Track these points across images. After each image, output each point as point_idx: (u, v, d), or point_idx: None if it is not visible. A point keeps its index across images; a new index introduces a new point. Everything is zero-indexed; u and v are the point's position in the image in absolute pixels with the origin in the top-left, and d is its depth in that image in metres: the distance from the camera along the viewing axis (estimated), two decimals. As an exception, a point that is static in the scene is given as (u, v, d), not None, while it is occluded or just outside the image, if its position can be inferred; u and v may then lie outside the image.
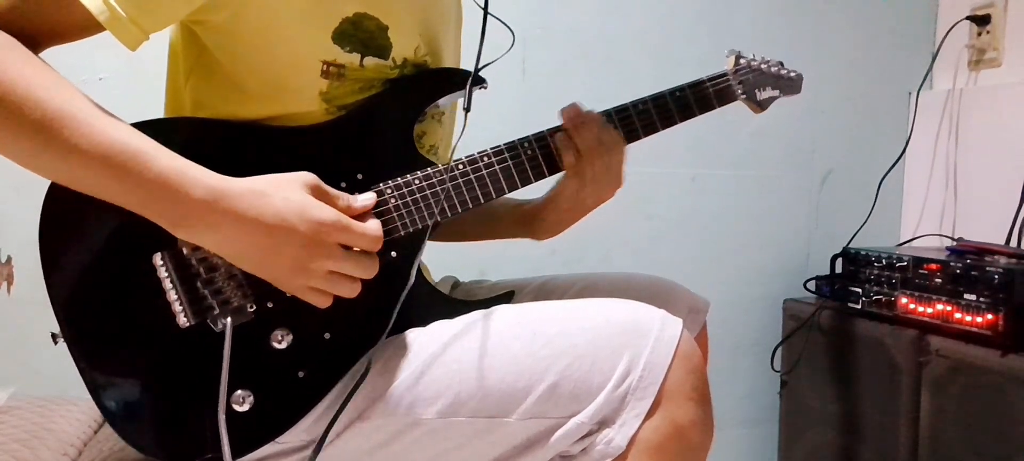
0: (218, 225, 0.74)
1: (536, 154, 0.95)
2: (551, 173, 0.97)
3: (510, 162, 0.94)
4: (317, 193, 0.78)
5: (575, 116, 0.96)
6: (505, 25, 0.99)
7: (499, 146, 0.94)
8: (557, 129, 0.97)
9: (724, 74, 1.05)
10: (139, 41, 0.77)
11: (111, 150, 0.70)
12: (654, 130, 1.01)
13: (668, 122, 1.01)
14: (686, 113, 1.02)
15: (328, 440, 0.83)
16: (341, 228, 0.78)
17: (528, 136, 0.96)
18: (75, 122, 0.70)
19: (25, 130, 0.69)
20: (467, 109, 0.92)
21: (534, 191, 1.02)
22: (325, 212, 0.77)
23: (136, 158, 0.71)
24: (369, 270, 0.81)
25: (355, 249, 0.80)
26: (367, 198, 0.84)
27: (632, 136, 0.99)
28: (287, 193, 0.76)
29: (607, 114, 0.98)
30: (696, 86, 1.03)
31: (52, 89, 0.71)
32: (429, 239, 0.91)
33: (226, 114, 0.89)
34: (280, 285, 0.80)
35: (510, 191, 0.94)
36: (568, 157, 0.96)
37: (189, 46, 0.90)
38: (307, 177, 0.79)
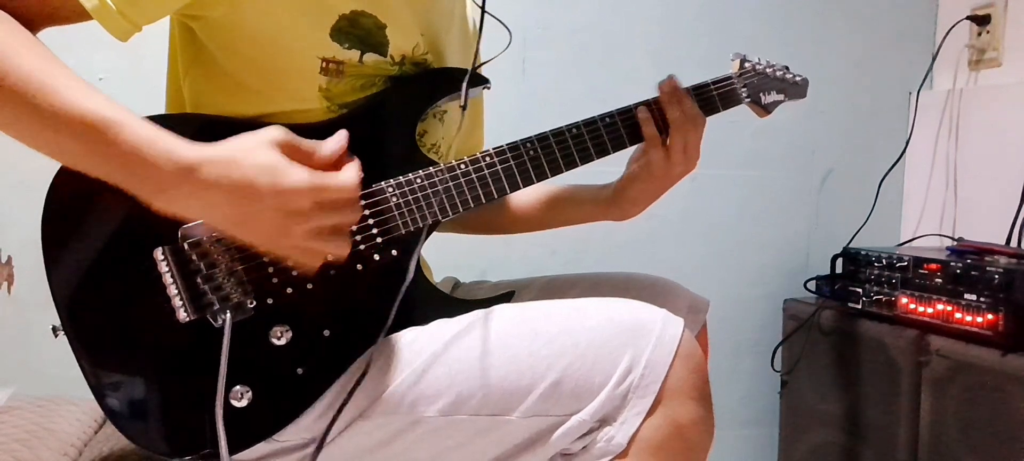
0: (191, 194, 0.73)
1: (561, 147, 0.96)
2: (632, 143, 1.00)
3: (512, 162, 0.94)
4: (287, 149, 0.76)
5: (672, 90, 0.99)
6: (503, 24, 0.99)
7: (502, 146, 0.94)
8: (642, 103, 1.00)
9: (729, 77, 1.05)
10: (128, 32, 0.78)
11: (89, 118, 0.70)
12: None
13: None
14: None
15: (329, 439, 0.84)
16: (315, 188, 0.75)
17: (609, 111, 0.99)
18: (53, 89, 0.70)
19: (8, 95, 0.69)
20: (464, 107, 0.92)
21: (537, 189, 1.02)
22: (296, 176, 0.75)
23: (112, 127, 0.70)
24: (352, 217, 0.80)
25: (333, 203, 0.78)
26: (337, 140, 0.82)
27: (635, 139, 1.00)
28: (256, 156, 0.74)
29: (612, 113, 0.99)
30: (701, 89, 1.03)
31: (38, 58, 0.71)
32: (484, 233, 0.90)
33: (226, 110, 0.89)
34: (269, 248, 0.78)
35: (512, 191, 0.94)
36: (649, 129, 0.98)
37: (187, 43, 0.91)
38: (275, 132, 0.76)
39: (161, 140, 0.72)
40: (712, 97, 1.03)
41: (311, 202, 0.75)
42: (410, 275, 0.85)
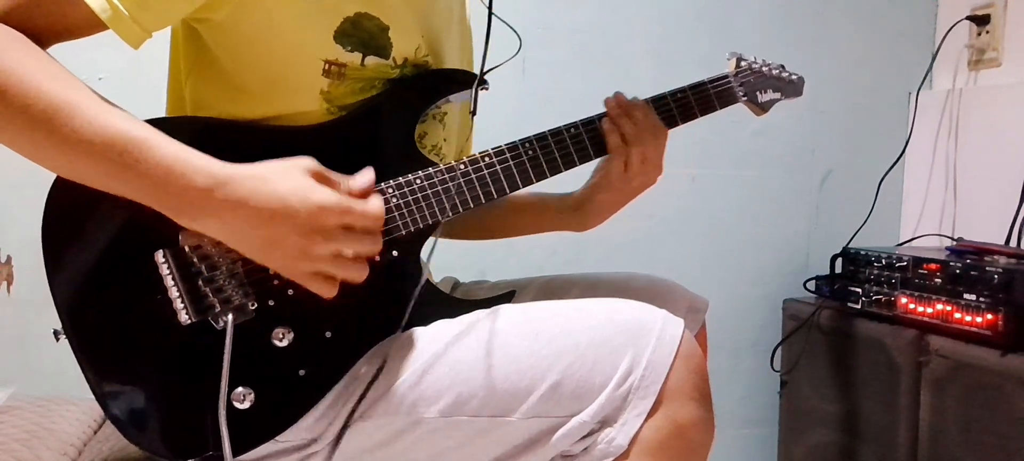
0: (219, 211, 0.74)
1: (560, 146, 0.96)
2: (597, 155, 0.99)
3: (511, 162, 0.94)
4: (318, 177, 0.78)
5: (622, 102, 0.99)
6: (512, 29, 0.99)
7: (500, 146, 0.94)
8: (604, 114, 0.99)
9: (725, 76, 1.05)
10: (141, 39, 0.78)
11: (114, 139, 0.71)
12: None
13: (670, 123, 1.02)
14: (687, 115, 1.03)
15: (331, 438, 0.84)
16: (343, 209, 0.77)
17: (575, 122, 0.98)
18: (78, 112, 0.70)
19: (29, 121, 0.69)
20: (473, 113, 0.92)
21: (534, 190, 1.02)
22: (326, 195, 0.77)
23: (139, 146, 0.71)
24: (373, 247, 0.81)
25: (358, 229, 0.80)
26: (366, 176, 0.84)
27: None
28: (288, 178, 0.76)
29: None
30: (697, 88, 1.03)
31: (55, 80, 0.71)
32: (456, 238, 0.90)
33: (226, 113, 0.89)
34: (284, 272, 0.79)
35: (511, 191, 0.94)
36: (614, 139, 0.98)
37: (190, 45, 0.91)
38: (307, 161, 0.79)
39: (189, 158, 0.73)
40: (709, 96, 1.03)
41: (337, 223, 0.77)
42: (425, 277, 0.85)
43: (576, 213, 1.06)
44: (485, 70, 0.93)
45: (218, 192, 0.73)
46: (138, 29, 0.77)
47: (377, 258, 0.86)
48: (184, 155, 0.73)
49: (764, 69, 1.08)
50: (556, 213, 1.09)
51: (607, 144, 0.98)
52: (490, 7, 0.95)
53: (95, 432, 1.15)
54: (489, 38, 0.94)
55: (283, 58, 0.86)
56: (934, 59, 1.96)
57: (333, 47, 0.86)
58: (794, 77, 1.11)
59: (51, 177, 0.79)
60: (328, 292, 0.80)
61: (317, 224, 0.76)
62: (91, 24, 0.76)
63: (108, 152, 0.71)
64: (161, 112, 0.97)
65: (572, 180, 1.04)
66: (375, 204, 0.81)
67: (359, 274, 0.81)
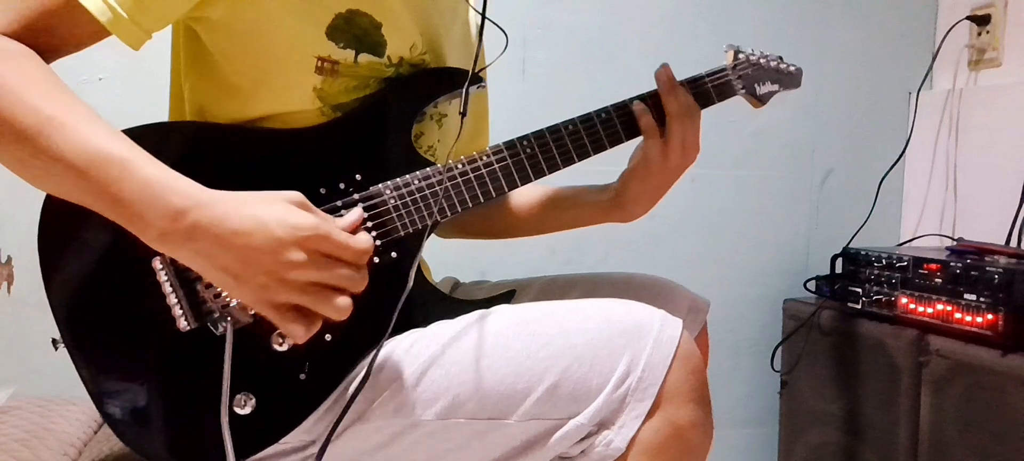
0: (192, 233, 0.70)
1: (558, 144, 0.96)
2: (628, 138, 0.98)
3: (509, 160, 0.93)
4: (301, 206, 0.74)
5: (669, 79, 0.98)
6: (499, 27, 0.99)
7: (498, 145, 0.94)
8: (637, 97, 0.99)
9: (723, 69, 1.05)
10: (141, 41, 0.78)
11: (94, 157, 0.69)
12: None
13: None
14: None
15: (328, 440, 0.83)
16: (322, 235, 0.72)
17: (604, 107, 0.98)
18: (63, 129, 0.69)
19: (14, 136, 0.69)
20: (463, 114, 0.91)
21: (538, 191, 1.01)
22: (306, 217, 0.72)
23: (118, 165, 0.69)
24: (356, 283, 0.75)
25: (339, 259, 0.74)
26: (353, 215, 0.82)
27: (631, 134, 0.99)
28: (268, 203, 0.73)
29: (608, 109, 0.98)
30: (695, 82, 1.02)
31: (46, 97, 0.70)
32: (493, 237, 0.88)
33: (222, 112, 0.89)
34: (260, 303, 0.73)
35: (510, 189, 0.94)
36: (646, 120, 0.97)
37: (188, 44, 0.91)
38: (292, 194, 0.74)
39: (168, 179, 0.70)
40: (707, 89, 1.03)
41: (316, 248, 0.72)
42: (410, 282, 0.83)
43: (616, 204, 1.04)
44: (476, 69, 0.93)
45: (193, 213, 0.70)
46: (138, 31, 0.77)
47: (376, 260, 0.86)
48: (164, 176, 0.71)
49: (762, 61, 1.07)
50: (595, 207, 1.07)
51: (640, 125, 0.98)
52: (483, 12, 0.95)
53: (95, 432, 1.15)
54: (482, 37, 0.94)
55: (276, 55, 0.86)
56: (934, 59, 1.95)
57: (326, 43, 0.86)
58: (792, 68, 1.10)
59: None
60: (302, 332, 0.74)
61: (294, 247, 0.71)
62: (94, 32, 0.76)
63: (88, 170, 0.69)
64: (161, 112, 0.97)
65: (576, 176, 1.04)
66: (362, 238, 0.77)
67: (339, 311, 0.74)
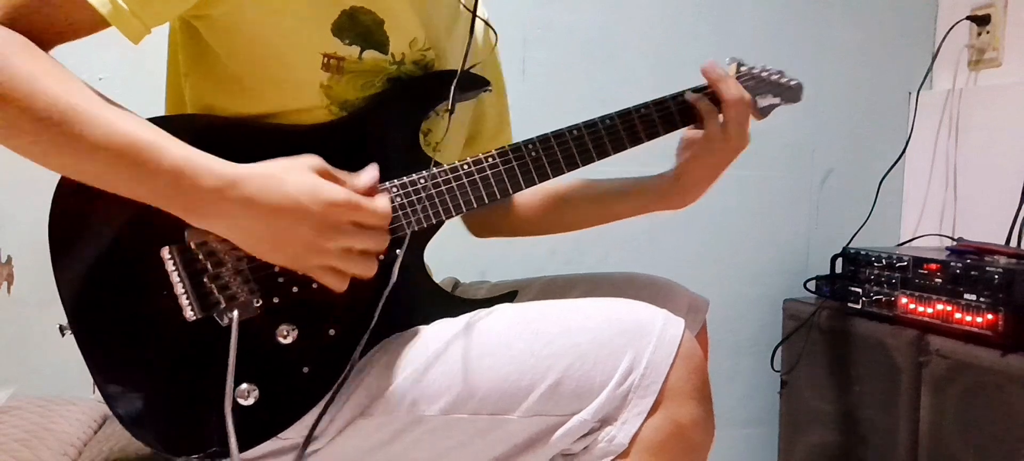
0: (230, 211, 0.75)
1: (562, 148, 0.97)
2: (684, 124, 1.02)
3: (514, 163, 0.94)
4: (324, 175, 0.80)
5: (720, 70, 1.02)
6: (488, 25, 0.99)
7: (503, 147, 0.94)
8: (692, 89, 1.02)
9: None
10: (141, 34, 0.78)
11: (123, 142, 0.71)
12: (656, 135, 1.02)
13: (670, 127, 1.02)
14: (686, 119, 1.03)
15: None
16: (353, 206, 0.79)
17: (645, 102, 1.00)
18: (86, 115, 0.71)
19: (36, 126, 0.69)
20: (451, 111, 0.92)
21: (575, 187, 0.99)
22: (336, 192, 0.78)
23: (148, 149, 0.72)
24: (381, 243, 0.83)
25: (366, 225, 0.81)
26: (370, 174, 0.84)
27: (635, 141, 1.00)
28: (295, 175, 0.78)
29: (612, 116, 0.99)
30: (697, 93, 1.03)
31: (61, 83, 0.71)
32: (543, 233, 0.95)
33: (227, 111, 0.89)
34: (296, 266, 0.80)
35: (514, 191, 0.95)
36: (704, 105, 1.01)
37: (189, 43, 0.91)
38: (313, 159, 0.80)
39: (198, 159, 0.74)
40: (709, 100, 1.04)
41: (348, 219, 0.79)
42: (393, 278, 0.84)
43: (674, 190, 1.07)
44: (467, 67, 0.94)
45: (228, 192, 0.74)
46: (138, 24, 0.77)
47: (381, 257, 0.86)
48: (193, 156, 0.74)
49: (764, 74, 1.08)
50: (646, 195, 1.09)
51: (698, 110, 1.01)
52: (474, 9, 0.95)
53: (95, 432, 1.15)
54: (472, 35, 0.95)
55: (282, 53, 0.86)
56: (934, 59, 1.96)
57: (331, 40, 0.87)
58: (793, 83, 1.11)
59: (53, 177, 0.79)
60: (339, 286, 0.81)
61: (328, 220, 0.78)
62: (93, 22, 0.76)
63: (117, 155, 0.71)
64: (160, 111, 0.97)
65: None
66: (382, 201, 0.83)
67: (368, 269, 0.82)
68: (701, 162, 1.04)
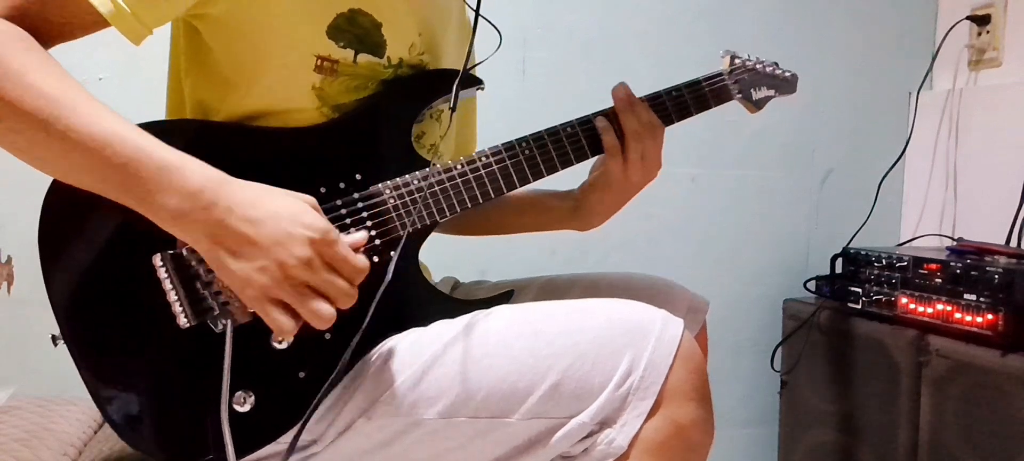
0: (208, 213, 0.72)
1: (556, 145, 0.96)
2: (594, 154, 0.99)
3: (508, 162, 0.94)
4: (314, 208, 0.77)
5: (629, 96, 0.98)
6: (492, 25, 0.99)
7: (497, 146, 0.94)
8: (599, 113, 0.99)
9: (720, 74, 1.06)
10: (142, 36, 0.78)
11: (109, 139, 0.70)
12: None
13: (666, 121, 1.02)
14: (683, 113, 1.03)
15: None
16: (330, 240, 0.75)
17: (571, 120, 0.98)
18: (74, 114, 0.70)
19: (25, 119, 0.69)
20: (453, 109, 0.92)
21: (536, 189, 1.01)
22: (318, 220, 0.75)
23: (134, 147, 0.71)
24: (346, 296, 0.76)
25: (337, 270, 0.76)
26: (359, 236, 0.83)
27: (596, 151, 1.00)
28: (285, 198, 0.76)
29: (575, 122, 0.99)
30: (692, 86, 1.03)
31: (52, 79, 0.71)
32: (459, 234, 0.88)
33: (222, 109, 0.89)
34: (249, 287, 0.73)
35: (508, 191, 0.95)
36: (609, 138, 0.97)
37: (189, 43, 0.91)
38: (307, 197, 0.78)
39: (184, 161, 0.72)
40: (704, 94, 1.04)
41: (320, 252, 0.74)
42: (388, 279, 0.82)
43: (576, 213, 1.06)
44: (469, 67, 0.94)
45: (209, 194, 0.72)
46: (139, 25, 0.77)
47: (376, 259, 0.86)
48: (179, 157, 0.73)
49: (758, 66, 1.08)
50: (557, 213, 1.09)
51: (603, 143, 0.98)
52: (477, 7, 0.95)
53: (95, 432, 1.15)
54: (474, 36, 0.95)
55: (276, 52, 0.86)
56: (934, 59, 1.96)
57: (326, 43, 0.87)
58: (788, 74, 1.11)
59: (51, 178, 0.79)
60: (286, 328, 0.74)
61: (301, 244, 0.73)
62: (94, 22, 0.76)
63: (103, 152, 0.70)
64: (160, 112, 0.98)
65: (574, 177, 1.04)
66: (362, 259, 0.78)
67: (322, 319, 0.75)
68: (600, 193, 1.03)
